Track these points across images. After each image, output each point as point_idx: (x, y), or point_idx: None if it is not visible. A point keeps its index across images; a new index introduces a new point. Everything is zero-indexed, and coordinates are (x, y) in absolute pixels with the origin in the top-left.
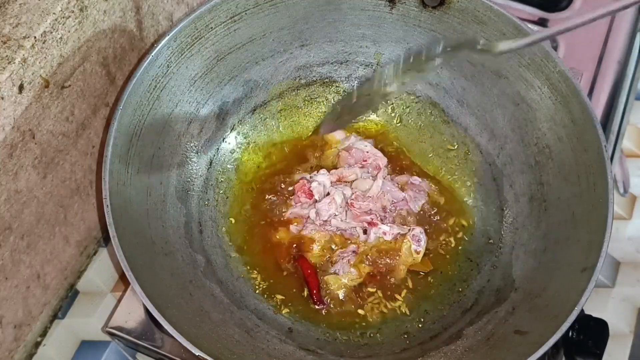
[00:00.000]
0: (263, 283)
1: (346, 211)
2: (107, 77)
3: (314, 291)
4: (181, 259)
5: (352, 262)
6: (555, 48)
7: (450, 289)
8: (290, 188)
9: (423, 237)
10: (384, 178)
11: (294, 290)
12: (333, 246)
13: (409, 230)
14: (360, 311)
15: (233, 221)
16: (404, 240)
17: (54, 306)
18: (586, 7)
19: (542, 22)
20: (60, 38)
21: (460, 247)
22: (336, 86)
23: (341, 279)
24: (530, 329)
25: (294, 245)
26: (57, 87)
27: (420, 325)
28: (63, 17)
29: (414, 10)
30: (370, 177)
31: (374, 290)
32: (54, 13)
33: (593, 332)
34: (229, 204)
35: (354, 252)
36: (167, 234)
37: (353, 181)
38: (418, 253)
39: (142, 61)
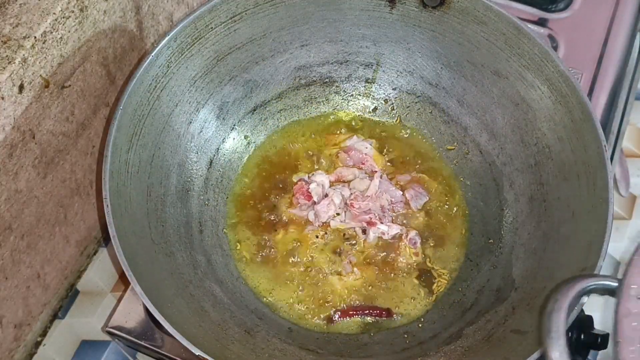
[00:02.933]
0: (262, 282)
1: (345, 212)
2: (107, 77)
3: (381, 312)
4: (181, 259)
5: (354, 263)
6: (555, 48)
7: (450, 288)
8: (289, 188)
9: (418, 239)
10: (380, 177)
11: (294, 290)
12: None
13: (407, 233)
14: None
15: (233, 221)
16: (401, 244)
17: (54, 306)
18: (586, 8)
19: (542, 22)
20: (60, 38)
21: (460, 247)
22: (336, 86)
23: (344, 279)
24: (530, 329)
25: (294, 246)
26: (57, 87)
27: (420, 325)
28: (63, 17)
29: (414, 10)
30: (368, 178)
31: (375, 290)
32: (54, 13)
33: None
34: (229, 204)
35: (355, 252)
36: (167, 234)
37: (351, 181)
38: (417, 255)
39: (142, 61)
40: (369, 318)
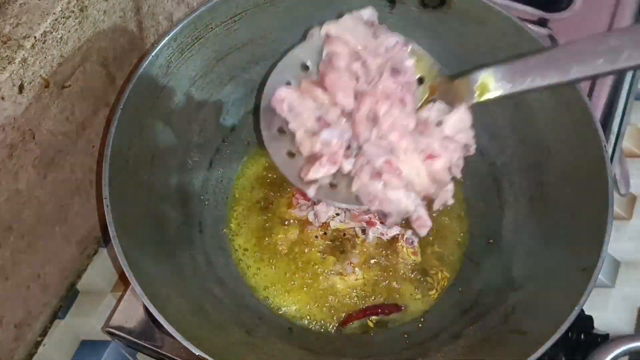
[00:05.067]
0: (263, 282)
1: (345, 212)
2: (107, 77)
3: (391, 309)
4: (181, 259)
5: (354, 264)
6: None
7: (450, 288)
8: (289, 189)
9: (415, 239)
10: None
11: (293, 290)
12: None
13: (403, 233)
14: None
15: (233, 221)
16: (398, 244)
17: (54, 306)
18: (586, 8)
19: (542, 22)
20: (60, 38)
21: (460, 247)
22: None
23: (345, 280)
24: (530, 329)
25: (294, 245)
26: (57, 87)
27: (420, 325)
28: (63, 17)
29: (414, 10)
30: None
31: (376, 290)
32: (54, 13)
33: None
34: (229, 204)
35: (356, 253)
36: (167, 234)
37: None
38: (415, 254)
39: (142, 61)
40: (374, 317)
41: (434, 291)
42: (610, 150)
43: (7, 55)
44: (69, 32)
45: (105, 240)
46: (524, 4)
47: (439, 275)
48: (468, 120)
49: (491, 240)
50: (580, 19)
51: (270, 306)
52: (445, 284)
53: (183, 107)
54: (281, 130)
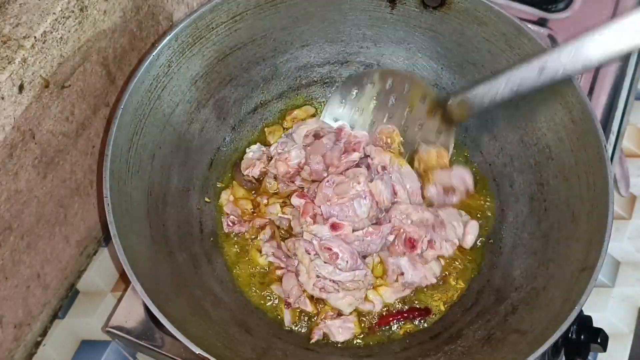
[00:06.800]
0: (262, 282)
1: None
2: (107, 77)
3: (421, 313)
4: (181, 259)
5: None
6: None
7: (450, 289)
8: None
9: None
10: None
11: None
12: None
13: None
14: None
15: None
16: None
17: (54, 306)
18: (586, 8)
19: (542, 22)
20: (60, 38)
21: (460, 248)
22: (336, 86)
23: None
24: (530, 329)
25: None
26: (57, 87)
27: (420, 326)
28: (63, 17)
29: (414, 10)
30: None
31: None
32: (54, 13)
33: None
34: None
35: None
36: (167, 233)
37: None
38: None
39: (143, 60)
40: (403, 322)
41: (434, 291)
42: (610, 150)
43: (7, 55)
44: (69, 32)
45: (106, 240)
46: (524, 4)
47: (439, 275)
48: (477, 231)
49: (491, 240)
50: (580, 19)
51: (269, 306)
52: (462, 288)
53: (184, 107)
54: None
